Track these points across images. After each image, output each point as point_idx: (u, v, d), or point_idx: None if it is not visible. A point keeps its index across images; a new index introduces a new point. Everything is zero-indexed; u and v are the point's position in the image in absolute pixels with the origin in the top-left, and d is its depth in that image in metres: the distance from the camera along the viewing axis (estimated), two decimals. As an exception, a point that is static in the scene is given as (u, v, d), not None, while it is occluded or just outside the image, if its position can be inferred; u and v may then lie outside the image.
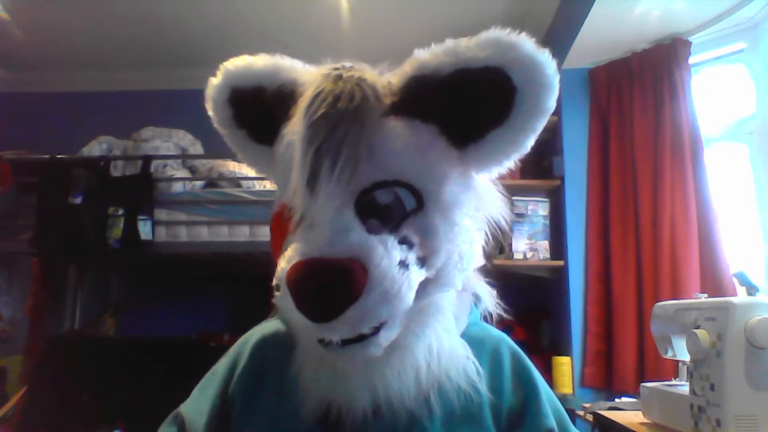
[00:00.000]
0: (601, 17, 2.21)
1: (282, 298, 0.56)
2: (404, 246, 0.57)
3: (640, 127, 2.39)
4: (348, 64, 0.59)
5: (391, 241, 0.56)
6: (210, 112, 0.74)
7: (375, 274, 0.53)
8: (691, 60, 2.32)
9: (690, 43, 2.32)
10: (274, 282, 0.58)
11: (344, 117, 0.54)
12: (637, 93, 2.42)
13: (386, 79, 0.62)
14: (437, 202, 0.60)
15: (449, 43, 0.59)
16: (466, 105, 0.59)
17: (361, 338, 0.55)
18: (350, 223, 0.56)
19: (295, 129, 0.58)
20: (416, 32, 2.91)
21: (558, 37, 2.63)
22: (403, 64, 0.62)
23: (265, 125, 0.68)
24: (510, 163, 0.63)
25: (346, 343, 0.55)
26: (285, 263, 0.56)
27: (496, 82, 0.57)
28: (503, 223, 0.69)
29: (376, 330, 0.55)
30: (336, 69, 0.58)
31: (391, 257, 0.55)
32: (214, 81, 0.71)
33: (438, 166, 0.60)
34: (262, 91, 0.68)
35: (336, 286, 0.52)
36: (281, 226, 0.63)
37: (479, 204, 0.67)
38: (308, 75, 0.62)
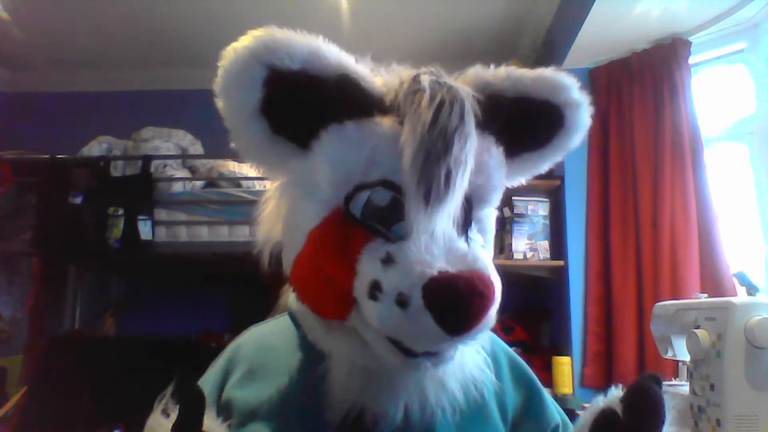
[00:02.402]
0: (601, 17, 2.21)
1: (410, 311, 0.51)
2: None
3: (640, 127, 2.38)
4: (433, 69, 0.60)
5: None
6: (225, 91, 0.59)
7: (496, 290, 0.54)
8: (691, 60, 2.31)
9: (690, 43, 2.32)
10: (400, 296, 0.52)
11: (468, 128, 0.55)
12: (637, 93, 2.42)
13: None
14: (487, 215, 0.66)
15: (510, 70, 0.66)
16: (516, 129, 0.65)
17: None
18: (459, 236, 0.58)
19: (406, 135, 0.55)
20: (416, 32, 2.92)
21: (558, 37, 2.63)
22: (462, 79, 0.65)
23: (291, 115, 0.60)
24: (523, 181, 0.73)
25: (430, 354, 0.55)
26: (411, 276, 0.52)
27: (549, 115, 0.66)
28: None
29: None
30: (431, 74, 0.58)
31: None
32: (245, 54, 0.57)
33: (503, 182, 0.66)
34: (307, 76, 0.58)
35: (487, 301, 0.52)
36: (339, 231, 0.59)
37: None
38: (400, 76, 0.61)
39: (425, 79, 0.57)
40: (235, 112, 0.60)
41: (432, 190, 0.53)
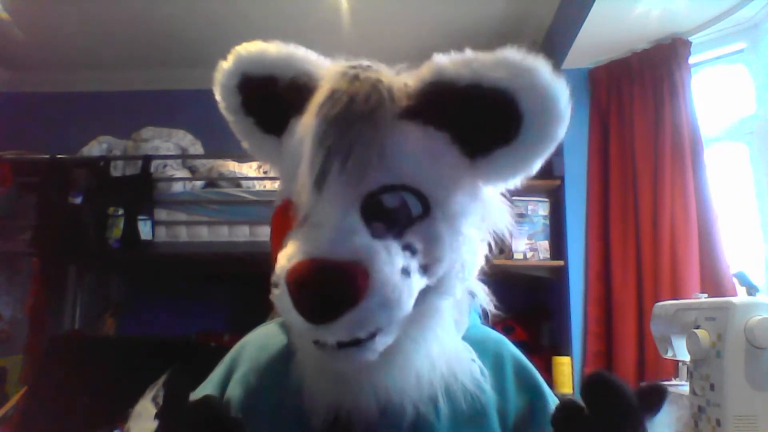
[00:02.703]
0: (601, 17, 2.21)
1: (280, 296, 0.55)
2: (407, 253, 0.56)
3: (640, 127, 2.38)
4: (366, 63, 0.58)
5: (395, 246, 0.55)
6: (217, 97, 0.72)
7: (376, 280, 0.52)
8: (691, 60, 2.31)
9: (690, 43, 2.32)
10: (273, 279, 0.57)
11: (358, 118, 0.54)
12: (637, 93, 2.42)
13: (403, 80, 0.61)
14: (444, 211, 0.59)
15: (468, 54, 0.58)
16: (477, 119, 0.59)
17: (357, 342, 0.54)
18: (355, 225, 0.55)
19: (306, 126, 0.57)
20: (416, 32, 2.91)
21: (558, 37, 2.63)
22: (421, 66, 0.61)
23: (274, 115, 0.67)
24: (516, 181, 0.63)
25: (341, 345, 0.54)
26: (285, 261, 0.55)
27: (504, 104, 0.56)
28: (506, 233, 0.69)
29: (372, 335, 0.55)
30: (353, 68, 0.57)
31: (394, 264, 0.54)
32: (225, 65, 0.69)
33: (448, 174, 0.60)
34: (273, 80, 0.66)
35: (337, 290, 0.51)
36: (283, 221, 0.62)
37: (485, 215, 0.66)
38: (324, 71, 0.62)
39: (337, 70, 0.58)
40: (225, 114, 0.73)
41: (318, 176, 0.54)
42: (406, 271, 0.55)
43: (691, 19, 2.26)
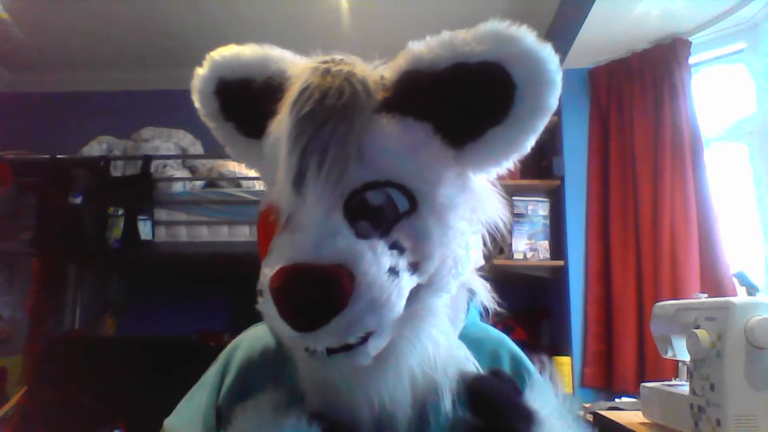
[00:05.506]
0: (601, 17, 2.21)
1: (265, 304, 0.53)
2: (395, 251, 0.54)
3: (640, 127, 2.39)
4: (338, 57, 0.56)
5: (381, 246, 0.53)
6: (196, 104, 0.70)
7: (363, 282, 0.50)
8: (691, 60, 2.32)
9: (690, 43, 2.32)
10: (258, 287, 0.55)
11: (332, 114, 0.51)
12: (637, 93, 2.42)
13: (379, 73, 0.59)
14: (431, 205, 0.57)
15: (445, 35, 0.56)
16: (463, 102, 0.56)
17: (348, 348, 0.52)
18: (338, 226, 0.53)
19: (280, 126, 0.55)
20: (416, 32, 2.90)
21: (558, 37, 2.62)
22: (396, 57, 0.59)
23: (253, 118, 0.64)
24: (509, 164, 0.60)
25: (331, 352, 0.52)
26: (268, 268, 0.53)
27: (494, 79, 0.54)
28: (502, 225, 0.66)
29: (364, 339, 0.52)
30: (324, 62, 0.55)
31: (380, 264, 0.52)
32: (200, 71, 0.68)
33: (432, 166, 0.57)
34: (250, 82, 0.64)
35: (321, 295, 0.49)
36: (267, 226, 0.60)
37: (477, 206, 0.64)
38: (296, 68, 0.59)
39: (307, 66, 0.55)
40: (205, 121, 0.71)
41: (296, 177, 0.52)
42: (394, 271, 0.53)
43: (691, 19, 2.26)
